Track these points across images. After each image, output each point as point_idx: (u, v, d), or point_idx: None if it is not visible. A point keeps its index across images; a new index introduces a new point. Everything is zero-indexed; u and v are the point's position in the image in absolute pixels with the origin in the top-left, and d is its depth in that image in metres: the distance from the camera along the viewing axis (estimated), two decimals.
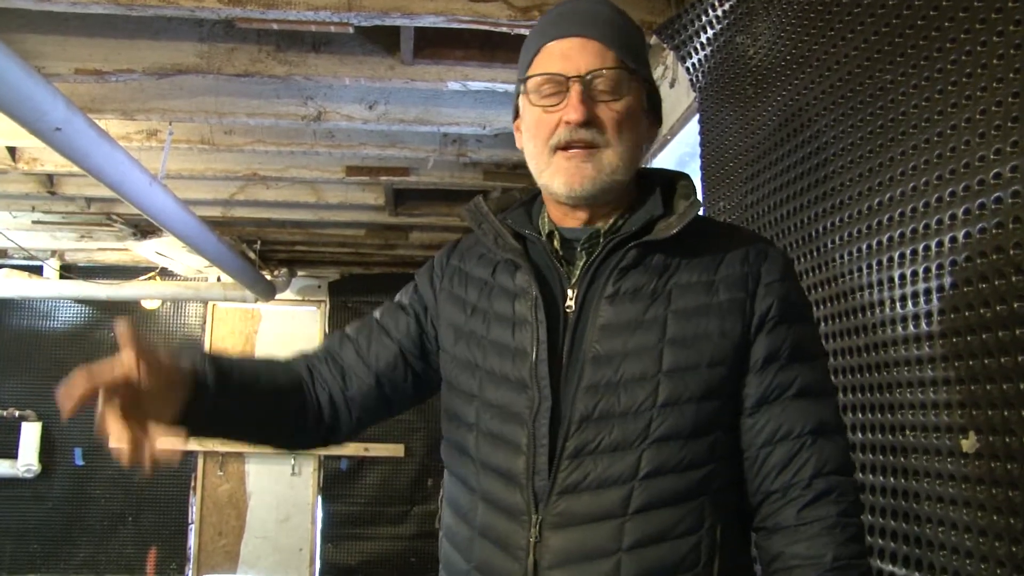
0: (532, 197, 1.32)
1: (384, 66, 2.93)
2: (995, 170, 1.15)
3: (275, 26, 2.58)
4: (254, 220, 5.14)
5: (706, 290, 1.14)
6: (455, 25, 2.49)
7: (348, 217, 5.05)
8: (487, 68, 2.91)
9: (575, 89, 1.14)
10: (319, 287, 6.97)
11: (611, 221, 1.21)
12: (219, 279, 6.13)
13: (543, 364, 1.13)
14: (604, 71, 1.15)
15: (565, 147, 1.15)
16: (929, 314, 1.28)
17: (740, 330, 1.12)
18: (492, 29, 2.54)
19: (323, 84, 3.13)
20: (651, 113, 1.24)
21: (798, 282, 1.22)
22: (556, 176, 1.17)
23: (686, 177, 1.26)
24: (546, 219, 1.26)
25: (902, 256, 1.35)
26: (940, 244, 1.26)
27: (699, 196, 1.23)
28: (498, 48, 2.84)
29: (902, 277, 1.35)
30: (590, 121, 1.14)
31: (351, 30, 2.58)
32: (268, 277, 6.05)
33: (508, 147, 3.85)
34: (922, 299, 1.30)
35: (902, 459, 1.35)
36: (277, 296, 6.29)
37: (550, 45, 1.18)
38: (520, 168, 4.14)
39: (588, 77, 1.14)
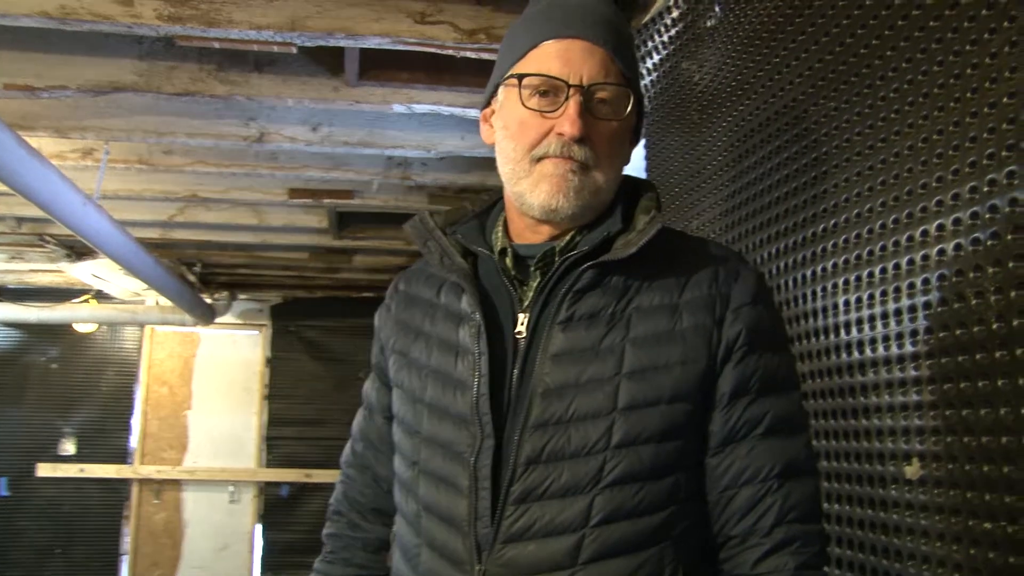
0: (487, 208, 1.22)
1: (328, 87, 2.89)
2: (937, 197, 1.15)
3: (216, 45, 2.52)
4: (194, 242, 5.04)
5: (669, 315, 1.04)
6: (401, 47, 2.47)
7: (291, 240, 4.98)
8: (433, 91, 2.89)
9: (575, 100, 1.04)
10: (261, 311, 6.85)
11: (567, 238, 1.10)
12: (157, 302, 5.98)
13: (484, 399, 1.04)
14: (607, 86, 1.06)
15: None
16: (873, 341, 1.28)
17: (706, 361, 1.02)
18: (438, 52, 2.52)
19: (266, 105, 3.08)
20: (634, 131, 1.17)
21: (773, 306, 1.12)
22: (539, 185, 1.07)
23: (651, 187, 1.16)
24: (500, 233, 1.15)
25: (846, 283, 1.36)
26: (884, 272, 1.26)
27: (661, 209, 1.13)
28: (444, 71, 2.82)
29: (847, 304, 1.35)
30: (585, 138, 1.04)
31: (295, 50, 2.54)
32: (208, 300, 5.93)
33: (453, 171, 3.83)
34: (867, 326, 1.30)
35: (847, 486, 1.35)
36: (217, 320, 6.16)
37: (548, 43, 1.07)
38: (466, 192, 4.12)
39: (590, 88, 1.05)
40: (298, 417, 6.68)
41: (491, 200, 1.23)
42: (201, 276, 5.79)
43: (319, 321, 6.81)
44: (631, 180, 1.19)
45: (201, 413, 6.72)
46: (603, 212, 1.12)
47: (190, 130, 3.19)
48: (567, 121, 1.04)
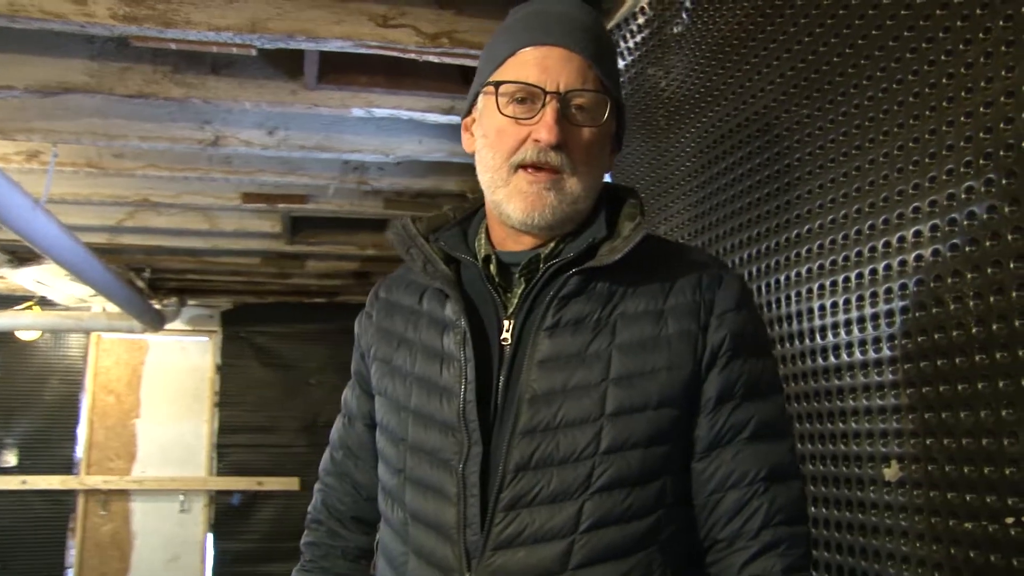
0: (469, 215, 1.21)
1: (286, 91, 2.85)
2: (915, 204, 1.17)
3: (173, 46, 2.47)
4: (144, 247, 4.93)
5: (654, 321, 1.04)
6: (362, 50, 2.44)
7: (243, 245, 4.89)
8: (393, 95, 2.86)
9: (552, 107, 1.04)
10: (211, 317, 6.74)
11: (551, 245, 1.11)
12: (104, 308, 5.83)
13: (471, 406, 1.03)
14: (584, 92, 1.06)
15: (529, 167, 1.06)
16: (850, 345, 1.30)
17: (691, 366, 1.03)
18: (400, 56, 2.50)
19: (222, 108, 3.02)
20: (616, 139, 1.17)
21: (756, 311, 1.12)
22: (514, 198, 1.07)
23: (634, 194, 1.16)
24: (483, 240, 1.15)
25: (821, 288, 1.37)
26: (860, 276, 1.28)
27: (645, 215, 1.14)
28: (405, 75, 2.80)
29: (822, 308, 1.37)
30: (561, 144, 1.05)
31: (254, 52, 2.49)
32: (157, 306, 5.80)
33: (410, 175, 3.80)
34: (842, 330, 1.32)
35: (823, 488, 1.36)
36: (167, 326, 6.04)
37: (526, 51, 1.08)
38: (422, 197, 4.10)
39: (567, 95, 1.05)
40: (249, 424, 6.59)
41: (473, 207, 1.22)
42: (150, 282, 5.66)
43: (270, 327, 6.72)
44: (612, 187, 1.19)
45: (150, 421, 6.58)
46: (586, 219, 1.12)
47: (143, 133, 3.12)
48: (543, 127, 1.04)
